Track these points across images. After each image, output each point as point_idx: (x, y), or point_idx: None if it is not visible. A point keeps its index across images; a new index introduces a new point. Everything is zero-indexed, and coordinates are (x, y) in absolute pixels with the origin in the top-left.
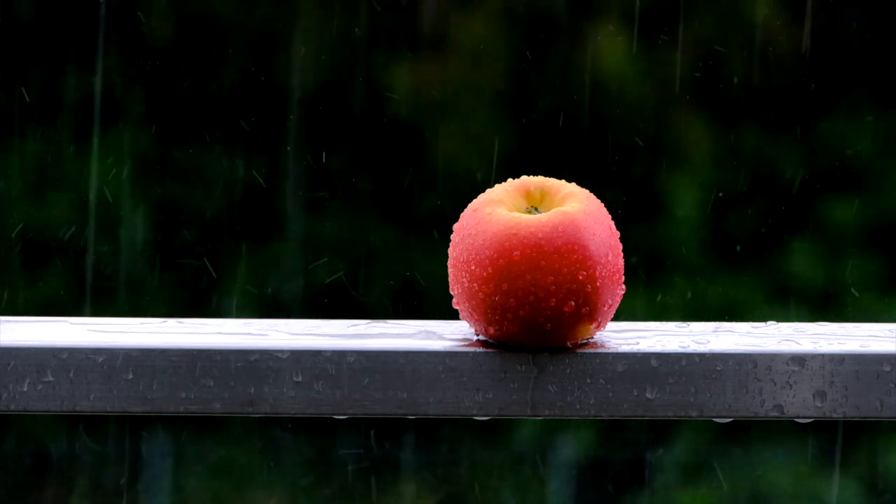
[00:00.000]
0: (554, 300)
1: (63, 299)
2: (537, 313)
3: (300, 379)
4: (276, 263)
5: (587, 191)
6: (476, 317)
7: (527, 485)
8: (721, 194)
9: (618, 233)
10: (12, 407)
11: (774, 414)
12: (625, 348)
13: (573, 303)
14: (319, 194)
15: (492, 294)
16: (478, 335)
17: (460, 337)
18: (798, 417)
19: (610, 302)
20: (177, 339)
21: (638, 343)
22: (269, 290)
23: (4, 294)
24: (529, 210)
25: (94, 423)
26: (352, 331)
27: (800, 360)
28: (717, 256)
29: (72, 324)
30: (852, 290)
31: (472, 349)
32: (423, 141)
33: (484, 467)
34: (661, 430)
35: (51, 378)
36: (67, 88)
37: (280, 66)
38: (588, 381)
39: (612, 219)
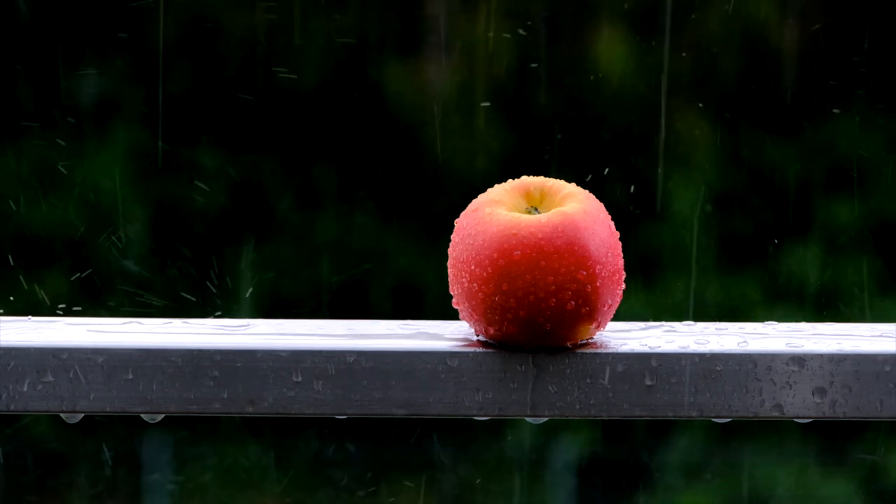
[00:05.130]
0: (554, 300)
1: (63, 299)
2: (537, 313)
3: (300, 379)
4: (277, 263)
5: (587, 191)
6: (476, 317)
7: (527, 485)
8: (721, 194)
9: (618, 233)
10: (12, 407)
11: (774, 414)
12: (625, 348)
13: (573, 303)
14: (320, 194)
15: (492, 294)
16: (478, 335)
17: (460, 337)
18: (798, 417)
19: (610, 302)
20: (177, 339)
21: (638, 343)
22: (270, 290)
23: (5, 294)
24: (529, 210)
25: (94, 424)
26: (352, 331)
27: (800, 360)
28: (717, 256)
29: (72, 324)
30: (852, 290)
31: (472, 349)
32: (423, 141)
33: (484, 467)
34: (661, 430)
35: (51, 378)
36: (67, 88)
37: (280, 66)
38: (588, 381)
39: (612, 219)
